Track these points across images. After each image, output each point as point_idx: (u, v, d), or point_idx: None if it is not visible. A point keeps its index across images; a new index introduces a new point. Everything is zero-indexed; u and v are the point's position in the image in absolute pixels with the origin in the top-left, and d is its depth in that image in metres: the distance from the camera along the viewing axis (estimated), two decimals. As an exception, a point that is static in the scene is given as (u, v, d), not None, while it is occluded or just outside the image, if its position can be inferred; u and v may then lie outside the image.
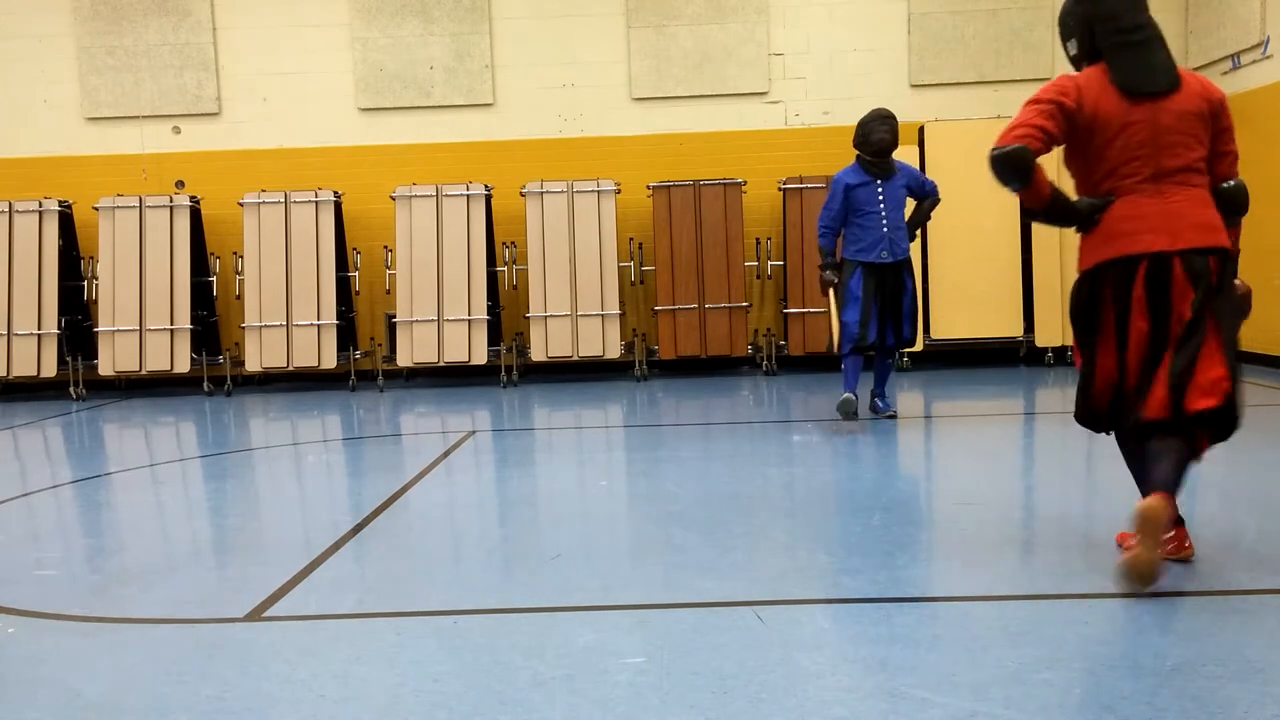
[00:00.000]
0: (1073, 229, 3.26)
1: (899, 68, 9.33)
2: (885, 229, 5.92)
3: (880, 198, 5.93)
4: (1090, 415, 3.32)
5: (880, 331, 5.96)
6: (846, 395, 6.01)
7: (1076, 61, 3.32)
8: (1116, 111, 3.10)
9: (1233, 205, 3.34)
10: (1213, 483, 4.45)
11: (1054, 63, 9.22)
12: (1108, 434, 3.35)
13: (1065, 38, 3.36)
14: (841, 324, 5.98)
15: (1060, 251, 8.73)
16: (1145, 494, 3.04)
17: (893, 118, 5.97)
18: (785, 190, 8.87)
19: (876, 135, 5.88)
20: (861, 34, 9.35)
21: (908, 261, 6.05)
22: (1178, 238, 3.07)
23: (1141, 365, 3.12)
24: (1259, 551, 3.39)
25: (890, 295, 5.97)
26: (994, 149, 3.08)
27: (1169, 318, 3.08)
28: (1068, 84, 3.16)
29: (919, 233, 6.46)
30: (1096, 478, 4.70)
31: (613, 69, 9.39)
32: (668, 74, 9.34)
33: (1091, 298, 3.19)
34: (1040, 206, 3.18)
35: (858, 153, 6.02)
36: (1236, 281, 3.35)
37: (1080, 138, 3.16)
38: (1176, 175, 3.13)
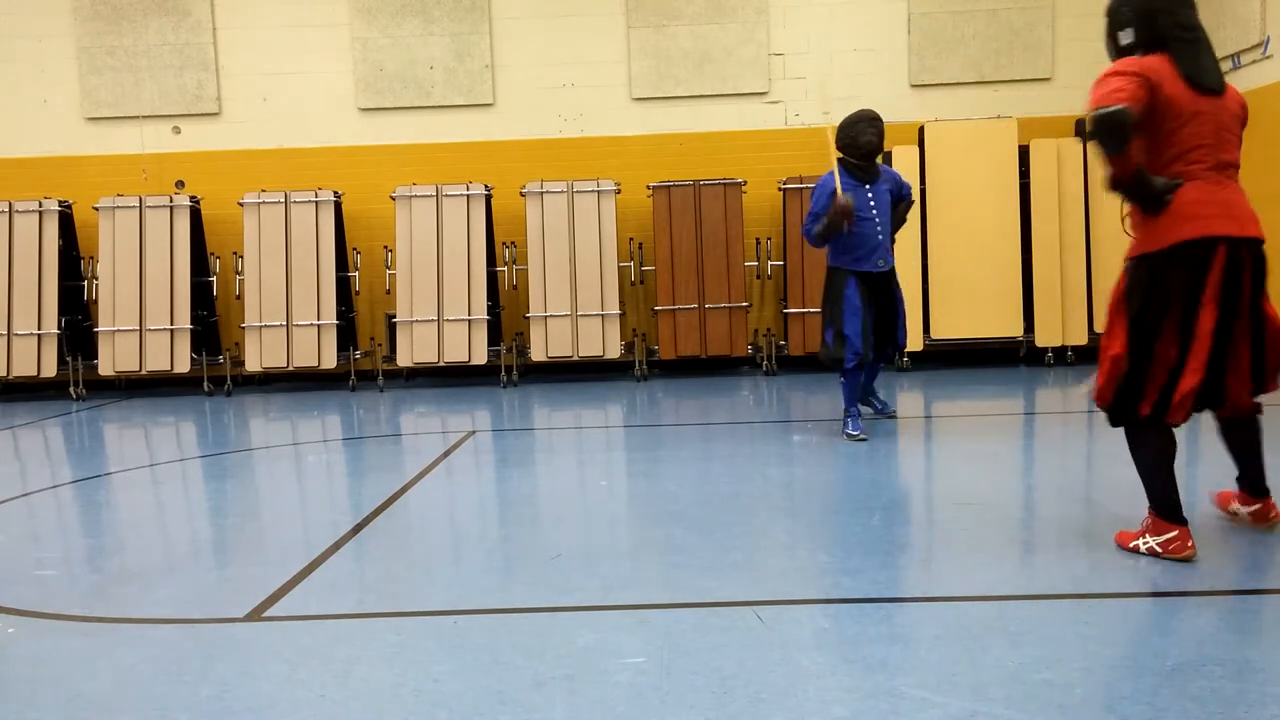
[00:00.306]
0: (1139, 207, 3.25)
1: (899, 68, 9.32)
2: (880, 236, 5.67)
3: (872, 203, 5.67)
4: (1129, 405, 3.25)
5: (878, 345, 5.81)
6: (859, 435, 5.61)
7: (1128, 51, 3.32)
8: (1187, 99, 3.17)
9: None
10: (1213, 482, 4.45)
11: (1054, 63, 9.23)
12: (1135, 425, 3.30)
13: (1118, 27, 3.35)
14: (843, 338, 5.59)
15: (1060, 251, 8.73)
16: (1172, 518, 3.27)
17: (879, 119, 5.73)
18: (785, 190, 8.87)
19: (865, 138, 5.64)
20: (861, 34, 9.34)
21: (894, 268, 5.84)
22: (1244, 226, 3.19)
23: (1211, 354, 3.14)
24: (1259, 551, 3.39)
25: (884, 305, 5.77)
26: (1097, 108, 3.05)
27: (1238, 304, 3.16)
28: (1146, 62, 3.18)
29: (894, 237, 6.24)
30: (1096, 478, 4.70)
31: (613, 69, 9.39)
32: (668, 74, 9.34)
33: (1161, 279, 3.16)
34: (1126, 175, 3.14)
35: (842, 156, 5.76)
36: None
37: (1154, 117, 3.18)
38: (1229, 169, 3.28)
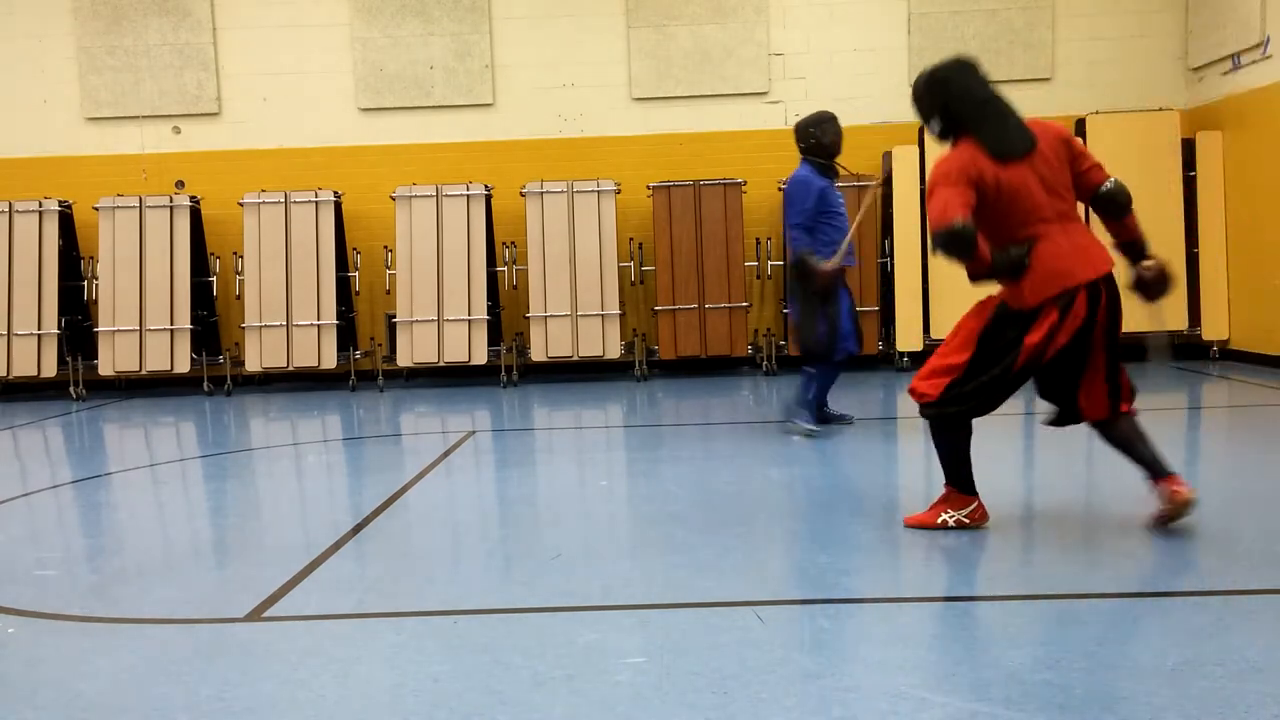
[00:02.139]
0: (1004, 282, 3.48)
1: (899, 68, 9.32)
2: (850, 232, 5.72)
3: (841, 200, 5.79)
4: (952, 406, 3.57)
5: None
6: (815, 431, 5.71)
7: (941, 136, 3.59)
8: (1006, 174, 3.38)
9: (1117, 203, 3.56)
10: (1213, 483, 4.45)
11: (1054, 63, 9.23)
12: (951, 420, 3.61)
13: (926, 118, 3.61)
14: (839, 331, 5.64)
15: (1060, 251, 8.71)
16: (967, 489, 3.70)
17: (837, 118, 5.81)
18: (785, 190, 8.86)
19: (829, 137, 5.71)
20: (861, 34, 9.34)
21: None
22: (1098, 267, 3.42)
23: (1060, 375, 3.55)
24: (1259, 551, 3.39)
25: (850, 297, 5.86)
26: (940, 229, 3.30)
27: (1091, 336, 3.44)
28: (962, 161, 3.41)
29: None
30: (1096, 478, 4.70)
31: (613, 69, 9.39)
32: (668, 74, 9.34)
33: (1023, 332, 3.42)
34: (984, 268, 3.41)
35: (807, 156, 5.78)
36: (1150, 261, 3.60)
37: (987, 205, 3.40)
38: (1068, 215, 3.47)
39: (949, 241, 3.30)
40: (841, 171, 5.87)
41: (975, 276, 3.51)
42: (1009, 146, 3.41)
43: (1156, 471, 3.58)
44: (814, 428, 5.75)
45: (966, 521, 3.68)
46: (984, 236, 3.42)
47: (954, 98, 3.52)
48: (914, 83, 3.67)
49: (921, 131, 8.87)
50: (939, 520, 3.70)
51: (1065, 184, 3.49)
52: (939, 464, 3.73)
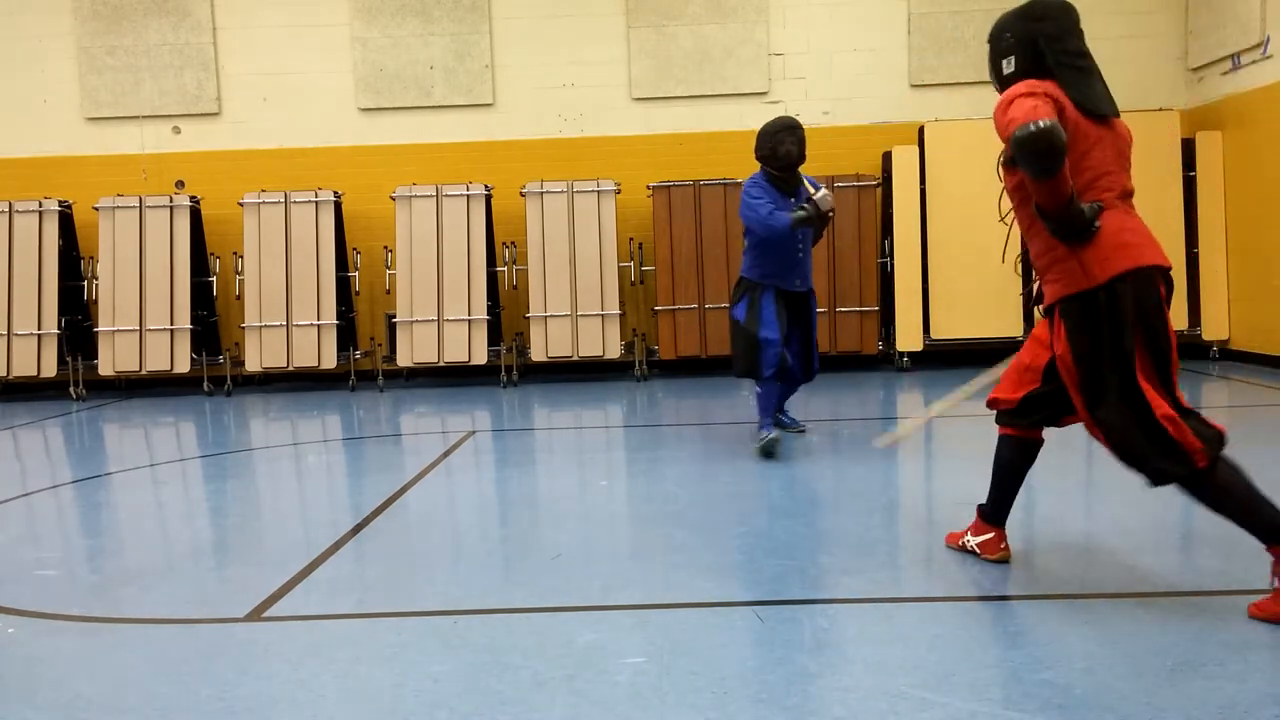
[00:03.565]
0: (1066, 241, 2.92)
1: (899, 68, 9.33)
2: (800, 254, 5.34)
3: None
4: (1178, 457, 2.80)
5: (800, 363, 5.50)
6: (772, 436, 5.25)
7: (1008, 80, 3.12)
8: (1086, 124, 2.95)
9: None
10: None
11: (1054, 63, 9.21)
12: (1196, 473, 2.83)
13: (1000, 56, 3.17)
14: (760, 343, 5.21)
15: (1060, 251, 8.71)
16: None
17: (800, 127, 5.31)
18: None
19: (784, 147, 5.23)
20: (861, 34, 9.34)
21: (812, 290, 5.54)
22: (1165, 255, 2.97)
23: (1172, 387, 2.91)
24: (1259, 551, 3.38)
25: (802, 324, 5.48)
26: (1023, 127, 2.69)
27: (1166, 332, 2.91)
28: (1047, 88, 2.92)
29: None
30: (1096, 478, 4.70)
31: (613, 69, 9.39)
32: (668, 74, 9.35)
33: (1115, 317, 2.85)
34: (1060, 201, 2.80)
35: (762, 166, 5.37)
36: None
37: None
38: (1130, 197, 3.04)
39: (1035, 143, 2.66)
40: (810, 191, 5.28)
41: (1046, 214, 2.87)
42: (1096, 103, 2.97)
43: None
44: (768, 435, 5.25)
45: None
46: None
47: (1049, 37, 3.03)
48: (1001, 17, 3.18)
49: (921, 132, 8.88)
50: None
51: (1129, 169, 3.04)
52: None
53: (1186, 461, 2.79)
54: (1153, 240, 2.95)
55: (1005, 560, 3.35)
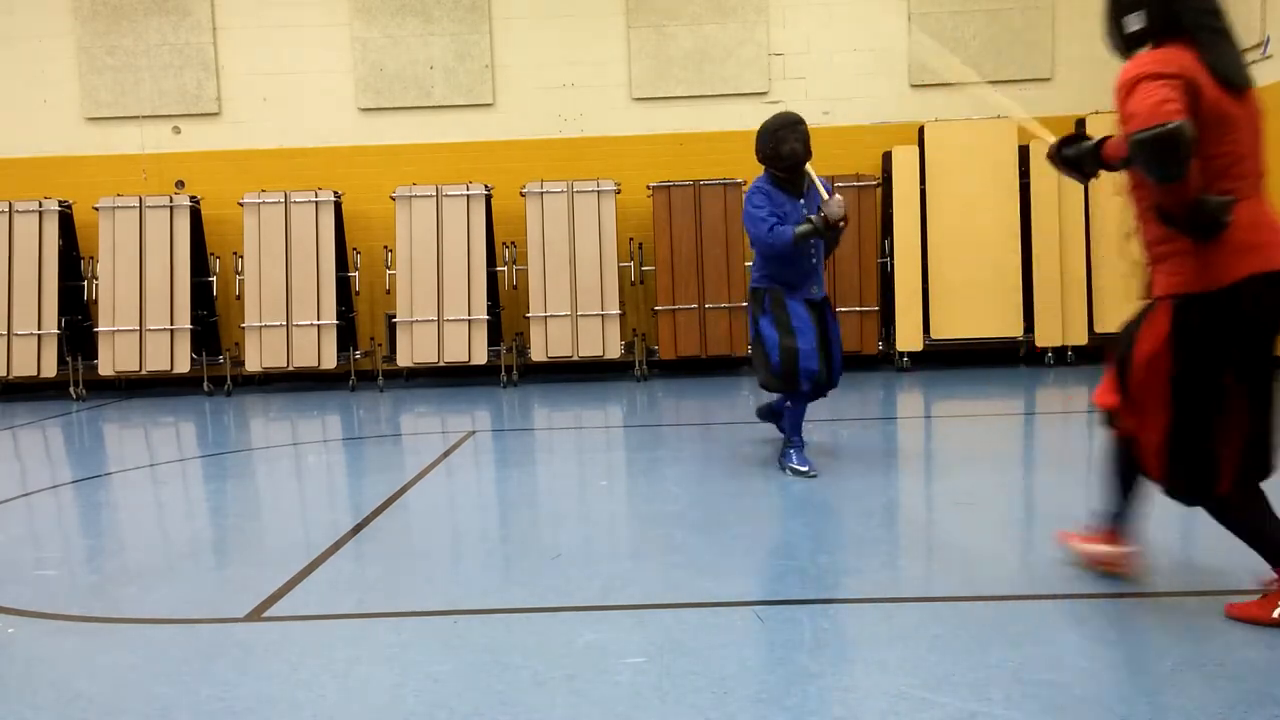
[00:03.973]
0: (1192, 237, 2.62)
1: (899, 68, 9.33)
2: (814, 261, 4.91)
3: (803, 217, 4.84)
4: (1204, 483, 2.66)
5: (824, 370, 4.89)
6: (807, 471, 4.78)
7: (1135, 40, 2.73)
8: (1225, 102, 2.60)
9: None
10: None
11: (1054, 63, 9.23)
12: (1220, 501, 2.72)
13: (1126, 10, 2.73)
14: (793, 351, 4.69)
15: (1060, 251, 8.72)
16: None
17: (803, 122, 4.82)
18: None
19: (787, 146, 4.75)
20: (861, 34, 9.34)
21: (827, 298, 5.08)
22: None
23: (1262, 411, 2.66)
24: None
25: (821, 329, 4.90)
26: (1151, 127, 2.42)
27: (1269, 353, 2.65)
28: (1182, 63, 2.57)
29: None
30: (1095, 477, 4.70)
31: (613, 69, 9.39)
32: (668, 74, 9.34)
33: (1222, 324, 2.60)
34: (1185, 203, 2.53)
35: (766, 168, 4.90)
36: None
37: (1197, 127, 2.54)
38: (1263, 180, 2.69)
39: (1160, 146, 2.40)
40: (822, 195, 4.82)
41: (1169, 217, 2.61)
42: (1238, 72, 2.61)
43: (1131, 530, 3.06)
44: (804, 469, 4.80)
45: None
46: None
47: None
48: None
49: (921, 132, 8.87)
50: (1275, 615, 2.72)
51: (1264, 146, 2.71)
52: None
53: (1210, 488, 2.67)
54: None
55: (1128, 574, 3.11)
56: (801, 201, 4.89)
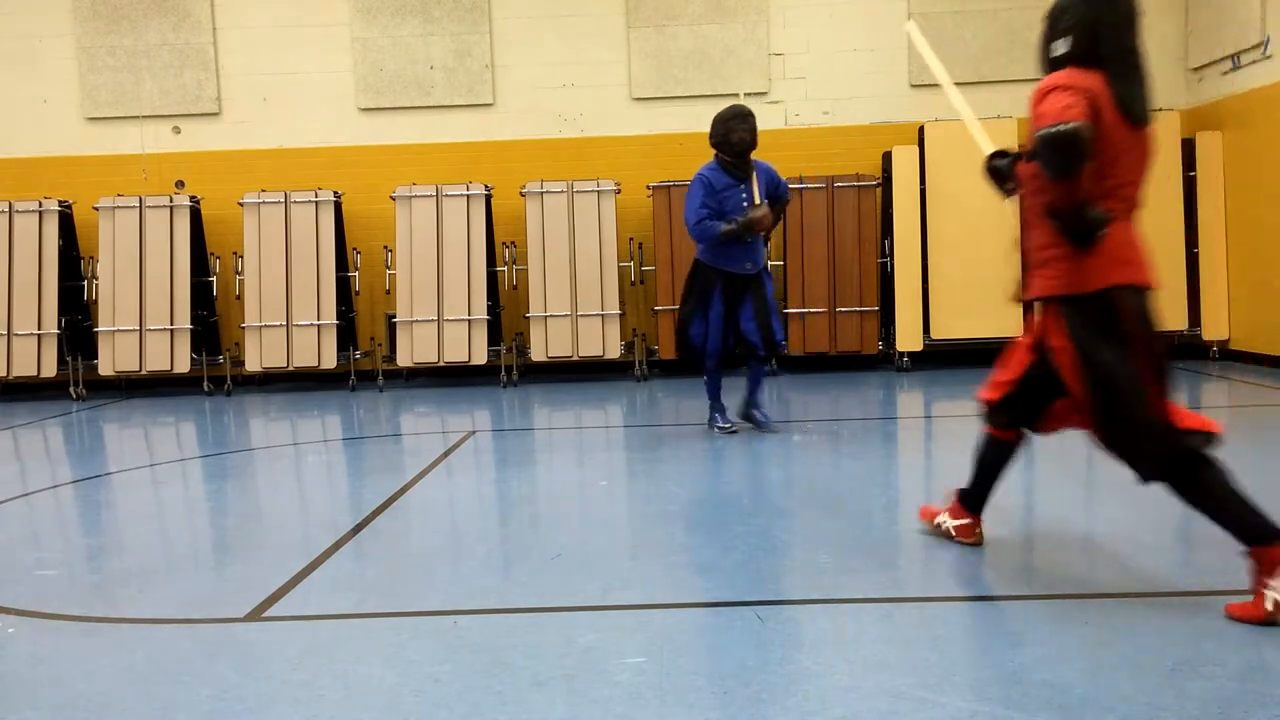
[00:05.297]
0: (1070, 242, 2.90)
1: (899, 68, 9.32)
2: (751, 240, 5.64)
3: (745, 203, 5.61)
4: (1160, 443, 2.87)
5: (743, 343, 5.81)
6: (729, 427, 5.94)
7: (1059, 63, 2.98)
8: (1123, 130, 2.87)
9: None
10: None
11: (1054, 63, 9.22)
12: (1186, 461, 2.87)
13: (1056, 35, 3.01)
14: (701, 338, 5.76)
15: (1060, 251, 8.72)
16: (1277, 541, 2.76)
17: (752, 115, 5.64)
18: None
19: (736, 135, 5.56)
20: (861, 34, 9.34)
21: (764, 268, 5.84)
22: (1152, 277, 2.97)
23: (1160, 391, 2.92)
24: (1259, 551, 3.39)
25: (756, 298, 5.75)
26: (1052, 125, 2.69)
27: (1159, 345, 2.95)
28: (1090, 83, 2.85)
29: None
30: (1095, 478, 4.70)
31: (613, 69, 9.39)
32: (668, 74, 9.34)
33: (1110, 323, 2.88)
34: (1071, 203, 2.82)
35: (717, 153, 5.71)
36: None
37: (1094, 144, 2.82)
38: (1138, 210, 3.01)
39: (1060, 143, 2.67)
40: (755, 195, 5.65)
41: (1054, 214, 2.89)
42: (1138, 108, 2.88)
43: (980, 505, 3.54)
44: (727, 425, 5.94)
45: None
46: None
47: (1110, 25, 2.91)
48: None
49: (921, 132, 8.87)
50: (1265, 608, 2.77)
51: (1147, 179, 3.00)
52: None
53: (1178, 446, 2.84)
54: (1148, 262, 2.97)
55: (978, 544, 3.52)
56: (742, 187, 5.64)
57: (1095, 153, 2.81)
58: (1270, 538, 2.75)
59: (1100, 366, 2.90)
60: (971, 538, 3.54)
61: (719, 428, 5.96)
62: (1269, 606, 2.72)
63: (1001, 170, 3.32)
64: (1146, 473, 2.92)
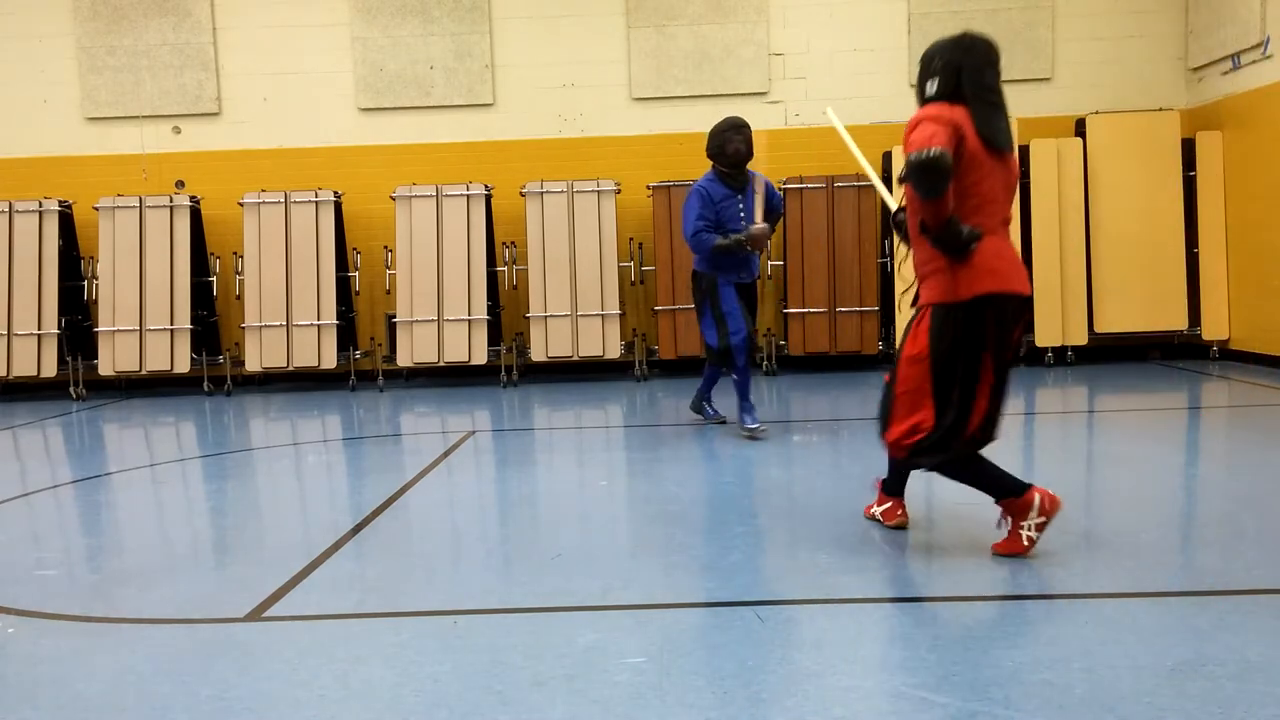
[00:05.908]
0: (944, 255, 3.30)
1: (899, 68, 9.32)
2: (744, 254, 5.79)
3: (742, 214, 5.75)
4: (961, 452, 3.40)
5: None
6: (757, 426, 5.84)
7: (929, 99, 3.42)
8: (983, 156, 3.30)
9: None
10: (1214, 483, 4.45)
11: (1054, 63, 9.23)
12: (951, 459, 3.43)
13: (926, 77, 3.46)
14: (729, 335, 5.73)
15: (1060, 251, 8.73)
16: (1022, 492, 3.40)
17: (747, 127, 5.77)
18: (785, 190, 8.87)
19: (732, 146, 5.67)
20: (861, 34, 9.35)
21: (757, 276, 6.06)
22: (1027, 285, 3.39)
23: (996, 394, 3.41)
24: (1259, 551, 3.39)
25: (744, 308, 5.90)
26: (917, 152, 3.07)
27: (1007, 351, 3.39)
28: (954, 115, 3.27)
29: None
30: (1095, 477, 4.70)
31: (613, 69, 9.39)
32: (668, 74, 9.35)
33: (974, 329, 3.29)
34: (940, 220, 3.19)
35: (713, 164, 5.81)
36: None
37: (958, 167, 3.26)
38: (1008, 225, 3.42)
39: (925, 168, 3.05)
40: (756, 213, 5.76)
41: (926, 230, 3.30)
42: (997, 136, 3.33)
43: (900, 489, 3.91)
44: (755, 426, 5.84)
45: (1039, 528, 3.44)
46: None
47: (971, 68, 3.36)
48: (935, 42, 3.52)
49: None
50: (1024, 541, 3.43)
51: (1013, 199, 3.49)
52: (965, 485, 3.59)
53: (951, 452, 3.38)
54: (1021, 269, 3.38)
55: (903, 527, 3.83)
56: (739, 197, 5.76)
57: (958, 175, 3.25)
58: (1018, 490, 3.37)
59: (950, 369, 3.33)
60: (894, 520, 3.85)
61: (747, 429, 5.85)
62: (1024, 542, 3.39)
63: (904, 224, 3.66)
64: (930, 466, 3.46)
